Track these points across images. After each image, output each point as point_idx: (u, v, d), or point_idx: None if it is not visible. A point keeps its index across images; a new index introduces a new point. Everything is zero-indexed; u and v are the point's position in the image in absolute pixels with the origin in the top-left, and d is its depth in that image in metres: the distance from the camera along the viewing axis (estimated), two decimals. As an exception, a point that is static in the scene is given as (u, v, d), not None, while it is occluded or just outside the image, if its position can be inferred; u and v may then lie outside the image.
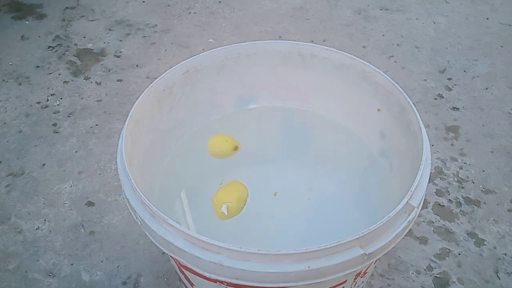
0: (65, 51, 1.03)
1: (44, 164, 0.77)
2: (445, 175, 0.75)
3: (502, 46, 1.03)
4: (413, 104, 0.47)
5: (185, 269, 0.43)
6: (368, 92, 0.54)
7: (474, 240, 0.66)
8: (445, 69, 0.97)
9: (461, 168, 0.76)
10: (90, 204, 0.71)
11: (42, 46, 1.04)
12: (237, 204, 0.52)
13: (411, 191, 0.39)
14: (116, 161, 0.44)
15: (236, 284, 0.36)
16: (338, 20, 1.11)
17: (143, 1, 1.19)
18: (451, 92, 0.91)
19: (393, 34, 1.06)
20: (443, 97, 0.90)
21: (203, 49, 0.51)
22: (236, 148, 0.58)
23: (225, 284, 0.39)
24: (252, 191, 0.55)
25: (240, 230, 0.52)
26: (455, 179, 0.74)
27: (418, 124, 0.45)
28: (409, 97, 0.48)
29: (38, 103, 0.89)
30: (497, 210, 0.70)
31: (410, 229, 0.40)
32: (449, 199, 0.71)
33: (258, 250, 0.34)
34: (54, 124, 0.85)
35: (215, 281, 0.39)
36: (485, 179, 0.74)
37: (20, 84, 0.94)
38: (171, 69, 0.53)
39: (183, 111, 0.57)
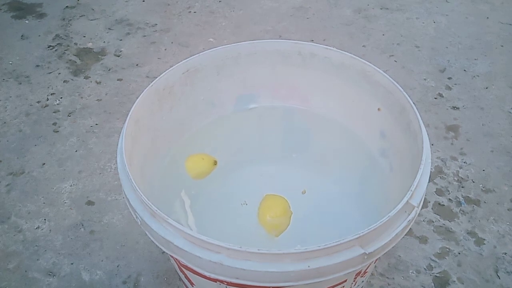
0: (65, 50, 1.03)
1: (44, 164, 0.77)
2: (445, 175, 0.75)
3: (502, 46, 1.03)
4: (413, 103, 0.47)
5: (185, 269, 0.43)
6: (368, 91, 0.54)
7: (474, 239, 0.66)
8: (445, 68, 0.97)
9: (461, 168, 0.76)
10: (90, 203, 0.71)
11: (42, 45, 1.04)
12: (286, 216, 0.52)
13: (411, 190, 0.38)
14: (116, 161, 0.43)
15: (236, 284, 0.36)
16: (338, 19, 1.11)
17: (143, 0, 1.19)
18: (451, 92, 0.91)
19: (393, 34, 1.06)
20: (443, 97, 0.90)
21: (203, 49, 0.51)
22: (215, 163, 0.57)
23: (225, 283, 0.39)
24: (251, 191, 0.55)
25: (240, 230, 0.52)
26: (455, 178, 0.74)
27: (418, 123, 0.45)
28: (409, 96, 0.48)
29: (38, 102, 0.89)
30: (497, 209, 0.70)
31: (410, 228, 0.40)
32: (449, 199, 0.71)
33: (258, 250, 0.34)
34: (54, 124, 0.85)
35: (215, 280, 0.39)
36: (485, 178, 0.74)
37: (20, 83, 0.94)
38: (171, 68, 0.53)
39: (183, 111, 0.57)
